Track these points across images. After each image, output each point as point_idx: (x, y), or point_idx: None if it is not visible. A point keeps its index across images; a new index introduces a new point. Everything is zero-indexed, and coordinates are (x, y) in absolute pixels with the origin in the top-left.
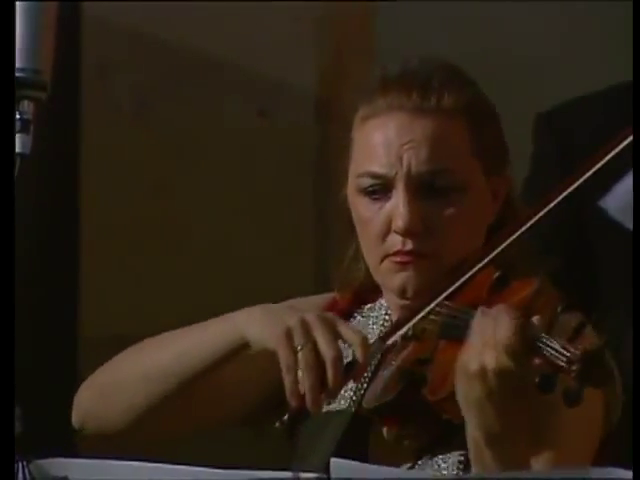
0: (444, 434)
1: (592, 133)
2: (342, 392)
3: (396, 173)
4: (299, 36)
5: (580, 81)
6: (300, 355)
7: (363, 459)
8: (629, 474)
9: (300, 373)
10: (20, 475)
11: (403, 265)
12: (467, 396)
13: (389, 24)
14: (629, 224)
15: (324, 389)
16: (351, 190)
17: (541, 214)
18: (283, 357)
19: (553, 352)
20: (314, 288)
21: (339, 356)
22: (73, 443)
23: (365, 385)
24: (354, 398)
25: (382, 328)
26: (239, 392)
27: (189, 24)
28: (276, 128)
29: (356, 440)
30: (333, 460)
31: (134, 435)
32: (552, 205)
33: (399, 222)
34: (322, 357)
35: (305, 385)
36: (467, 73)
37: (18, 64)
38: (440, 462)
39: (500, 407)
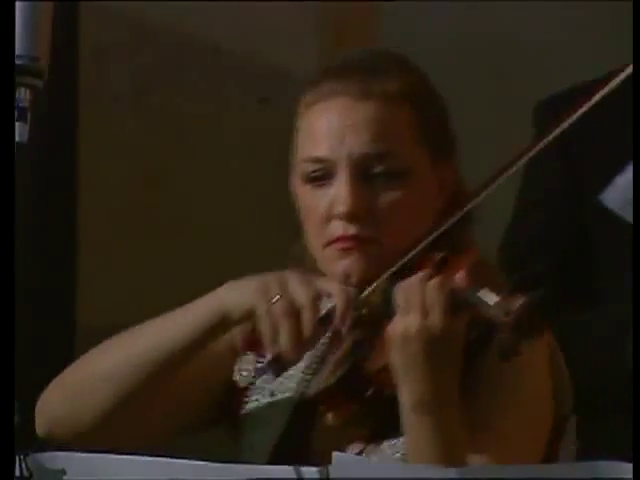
0: (390, 419)
1: (592, 119)
2: (286, 381)
3: (338, 157)
4: (301, 22)
5: (581, 68)
6: (275, 306)
7: (308, 446)
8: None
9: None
10: (17, 468)
11: (346, 251)
12: (397, 361)
13: (393, 9)
14: (629, 218)
15: (301, 338)
16: (296, 179)
17: (474, 203)
18: (259, 307)
19: (487, 305)
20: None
21: (313, 304)
22: None
23: (311, 373)
24: (300, 387)
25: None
26: (197, 392)
27: (188, 9)
28: (277, 115)
29: (301, 427)
30: (335, 454)
31: (103, 441)
32: (488, 192)
33: (341, 207)
34: (298, 306)
35: (281, 333)
36: (411, 61)
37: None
38: (386, 448)
39: (427, 371)
